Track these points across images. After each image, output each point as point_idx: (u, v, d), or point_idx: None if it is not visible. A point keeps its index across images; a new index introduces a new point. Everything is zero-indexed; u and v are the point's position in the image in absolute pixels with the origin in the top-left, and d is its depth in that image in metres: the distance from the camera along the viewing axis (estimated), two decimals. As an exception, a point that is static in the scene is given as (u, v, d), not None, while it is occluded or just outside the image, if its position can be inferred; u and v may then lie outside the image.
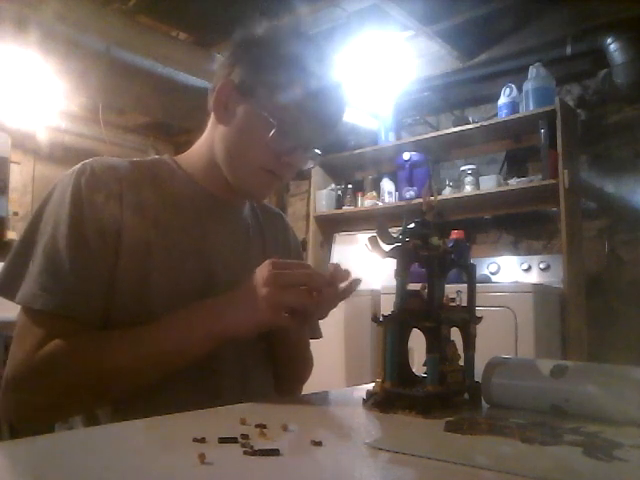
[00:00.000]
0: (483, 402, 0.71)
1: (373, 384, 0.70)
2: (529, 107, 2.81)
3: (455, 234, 2.84)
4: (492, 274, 3.00)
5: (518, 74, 2.93)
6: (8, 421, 0.80)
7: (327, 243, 3.77)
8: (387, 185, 3.45)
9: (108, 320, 0.81)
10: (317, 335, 1.06)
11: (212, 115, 0.93)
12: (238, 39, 0.91)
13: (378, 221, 0.72)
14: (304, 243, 3.66)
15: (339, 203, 3.66)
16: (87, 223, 0.80)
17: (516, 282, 2.81)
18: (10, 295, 0.78)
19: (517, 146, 3.13)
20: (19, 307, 0.80)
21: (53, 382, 0.75)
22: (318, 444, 0.50)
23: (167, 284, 0.83)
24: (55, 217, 0.80)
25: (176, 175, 0.92)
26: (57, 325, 0.76)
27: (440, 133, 3.20)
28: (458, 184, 3.12)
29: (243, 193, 0.94)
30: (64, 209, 0.80)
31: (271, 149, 0.87)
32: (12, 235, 3.63)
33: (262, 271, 0.75)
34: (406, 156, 3.27)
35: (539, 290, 2.43)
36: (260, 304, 0.73)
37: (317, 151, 0.93)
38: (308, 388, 0.86)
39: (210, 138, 0.93)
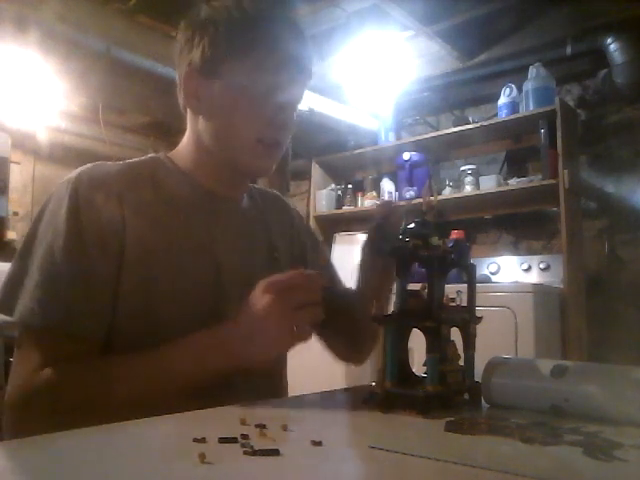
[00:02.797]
0: (483, 402, 0.71)
1: (373, 384, 0.70)
2: (529, 107, 2.81)
3: (455, 234, 2.84)
4: (492, 274, 3.00)
5: (518, 74, 2.93)
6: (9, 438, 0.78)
7: (327, 243, 3.76)
8: (387, 185, 3.45)
9: (113, 332, 0.79)
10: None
11: (188, 111, 0.92)
12: (186, 26, 0.88)
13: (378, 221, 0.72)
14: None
15: (339, 203, 3.66)
16: (86, 234, 0.78)
17: (516, 282, 2.81)
18: (8, 312, 0.76)
19: (517, 146, 3.13)
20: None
21: (52, 409, 0.73)
22: (318, 444, 0.49)
23: (175, 287, 0.82)
24: (52, 229, 0.78)
25: (173, 174, 0.91)
26: (57, 344, 0.75)
27: (440, 133, 3.20)
28: (458, 184, 3.12)
29: (246, 172, 0.92)
30: (60, 221, 0.78)
31: (257, 117, 0.85)
32: (12, 235, 3.63)
33: (260, 299, 0.73)
34: (406, 156, 3.27)
35: (539, 290, 2.43)
36: (273, 334, 0.72)
37: (302, 107, 0.92)
38: (309, 388, 0.86)
39: (194, 133, 0.91)
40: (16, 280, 0.77)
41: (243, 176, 0.95)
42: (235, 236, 0.93)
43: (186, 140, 0.94)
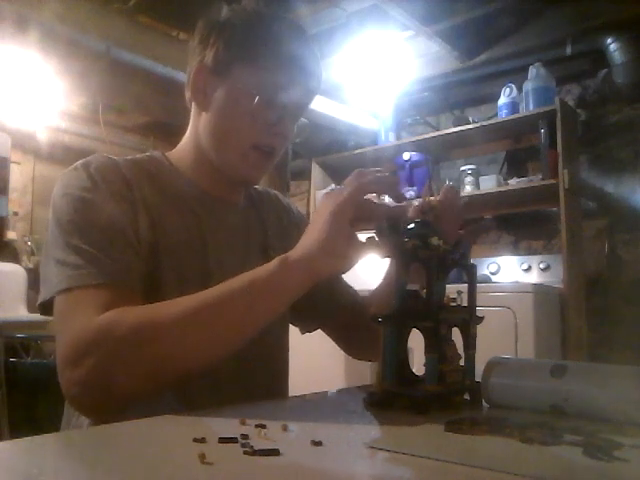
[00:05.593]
0: (483, 402, 0.71)
1: (373, 384, 0.70)
2: (529, 107, 2.81)
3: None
4: (492, 274, 3.00)
5: (518, 74, 2.93)
6: (78, 406, 0.74)
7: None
8: (387, 185, 3.45)
9: None
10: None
11: (193, 107, 0.92)
12: (204, 25, 0.90)
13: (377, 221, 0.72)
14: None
15: (339, 203, 3.65)
16: (107, 203, 0.78)
17: (516, 282, 2.81)
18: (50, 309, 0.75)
19: (517, 146, 3.13)
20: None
21: (120, 340, 0.69)
22: (318, 444, 0.49)
23: (173, 286, 0.82)
24: (68, 208, 0.78)
25: (170, 173, 0.91)
26: (105, 298, 0.72)
27: (440, 133, 3.20)
28: (458, 184, 3.12)
29: (236, 178, 0.92)
30: (77, 193, 0.78)
31: (258, 122, 0.86)
32: (12, 235, 3.63)
33: (324, 203, 0.70)
34: (406, 156, 3.26)
35: (539, 290, 2.43)
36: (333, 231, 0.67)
37: (304, 119, 0.93)
38: (308, 388, 0.86)
39: (194, 131, 0.92)
40: (49, 271, 0.77)
41: (230, 181, 0.94)
42: (228, 237, 0.92)
43: (186, 139, 0.95)
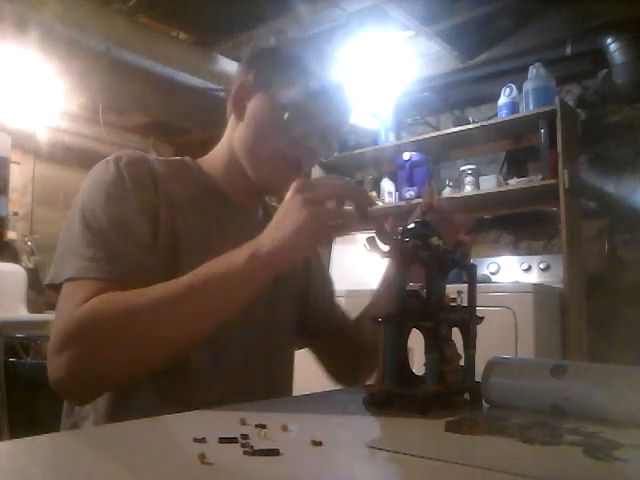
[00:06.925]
0: (483, 402, 0.71)
1: (373, 384, 0.70)
2: (529, 107, 2.81)
3: (455, 234, 2.84)
4: (492, 274, 3.00)
5: (518, 74, 2.93)
6: (61, 390, 0.76)
7: (327, 243, 3.76)
8: (387, 185, 3.45)
9: None
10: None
11: (231, 118, 0.98)
12: (250, 50, 0.98)
13: (377, 221, 0.72)
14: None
15: (339, 203, 3.65)
16: (129, 199, 0.82)
17: (516, 282, 2.81)
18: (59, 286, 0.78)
19: (517, 146, 3.13)
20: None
21: (100, 328, 0.72)
22: (318, 444, 0.49)
23: None
24: (96, 196, 0.81)
25: (198, 177, 0.95)
26: (103, 288, 0.75)
27: (440, 133, 3.20)
28: (458, 184, 3.12)
29: (263, 186, 0.96)
30: (104, 186, 0.82)
31: (287, 134, 0.91)
32: (12, 235, 3.63)
33: (293, 198, 0.72)
34: (406, 156, 3.26)
35: (539, 290, 2.43)
36: (303, 228, 0.70)
37: (334, 143, 0.97)
38: (308, 388, 0.86)
39: (229, 139, 0.97)
40: (62, 255, 0.80)
41: (257, 188, 0.98)
42: (243, 243, 0.93)
43: (219, 147, 1.00)
